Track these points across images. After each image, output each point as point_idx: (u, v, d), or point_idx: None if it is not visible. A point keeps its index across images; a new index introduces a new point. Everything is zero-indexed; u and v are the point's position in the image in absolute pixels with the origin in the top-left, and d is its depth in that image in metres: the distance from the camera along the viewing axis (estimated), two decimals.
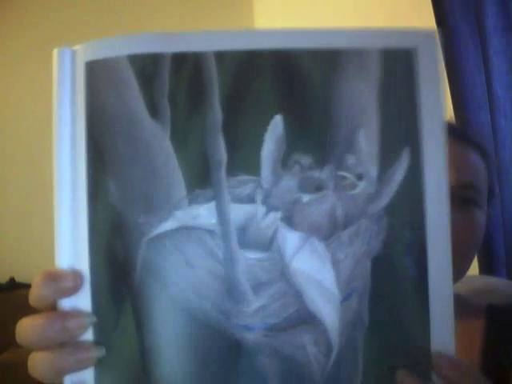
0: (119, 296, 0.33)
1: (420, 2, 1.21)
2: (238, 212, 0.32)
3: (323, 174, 0.33)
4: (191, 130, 0.32)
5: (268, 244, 0.32)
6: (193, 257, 0.32)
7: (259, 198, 0.32)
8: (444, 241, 0.34)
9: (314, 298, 0.32)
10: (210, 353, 0.32)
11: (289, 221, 0.32)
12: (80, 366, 0.33)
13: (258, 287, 0.32)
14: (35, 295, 0.33)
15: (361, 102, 0.33)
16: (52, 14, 1.92)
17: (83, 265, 0.33)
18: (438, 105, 0.34)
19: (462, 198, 0.59)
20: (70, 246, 0.33)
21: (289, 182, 0.32)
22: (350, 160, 0.33)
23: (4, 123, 1.91)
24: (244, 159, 0.32)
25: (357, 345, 0.33)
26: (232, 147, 0.32)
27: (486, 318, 0.63)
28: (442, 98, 0.34)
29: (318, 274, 0.32)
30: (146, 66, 0.32)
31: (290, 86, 0.33)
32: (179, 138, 0.32)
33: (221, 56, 0.32)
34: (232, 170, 0.32)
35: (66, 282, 0.33)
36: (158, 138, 0.32)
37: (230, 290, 0.32)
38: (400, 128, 0.34)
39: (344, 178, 0.33)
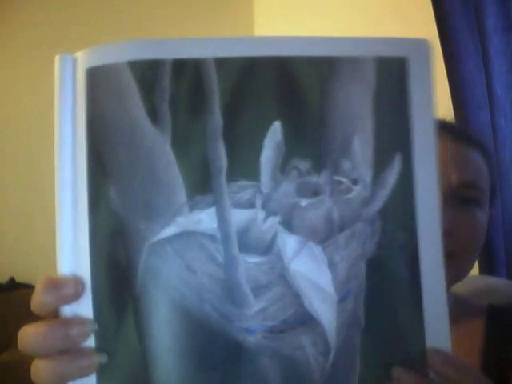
0: (121, 302, 0.33)
1: (420, 1, 1.21)
2: (238, 217, 0.33)
3: (320, 179, 0.33)
4: (192, 136, 0.33)
5: (267, 248, 0.33)
6: (194, 261, 0.33)
7: (259, 202, 0.33)
8: (435, 242, 0.35)
9: (311, 299, 0.33)
10: (212, 356, 0.33)
11: (288, 225, 0.33)
12: (82, 373, 0.33)
13: (258, 290, 0.33)
14: (37, 302, 0.33)
15: (355, 109, 0.34)
16: (52, 14, 1.92)
17: (84, 271, 0.33)
18: (428, 112, 0.35)
19: (463, 197, 0.59)
20: (72, 253, 0.33)
21: (287, 186, 0.33)
22: (346, 165, 0.34)
23: (4, 123, 1.91)
24: (244, 165, 0.33)
25: (354, 344, 0.34)
26: (232, 153, 0.33)
27: (486, 318, 0.63)
28: (433, 105, 0.35)
29: (316, 277, 0.33)
30: (147, 72, 0.33)
31: (288, 93, 0.34)
32: (180, 145, 0.33)
33: (221, 63, 0.33)
34: (232, 175, 0.32)
35: (68, 289, 0.33)
36: (159, 145, 0.33)
37: (231, 293, 0.33)
38: (392, 134, 0.35)
39: (340, 182, 0.34)
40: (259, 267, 0.33)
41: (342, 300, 0.33)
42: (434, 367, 0.34)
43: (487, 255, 1.02)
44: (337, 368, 0.33)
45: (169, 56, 0.32)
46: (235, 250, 0.33)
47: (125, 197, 0.33)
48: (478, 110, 1.04)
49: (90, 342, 0.33)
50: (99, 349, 0.33)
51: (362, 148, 0.34)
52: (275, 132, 0.33)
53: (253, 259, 0.33)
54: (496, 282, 0.86)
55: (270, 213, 0.33)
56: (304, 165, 0.33)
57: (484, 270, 1.03)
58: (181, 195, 0.32)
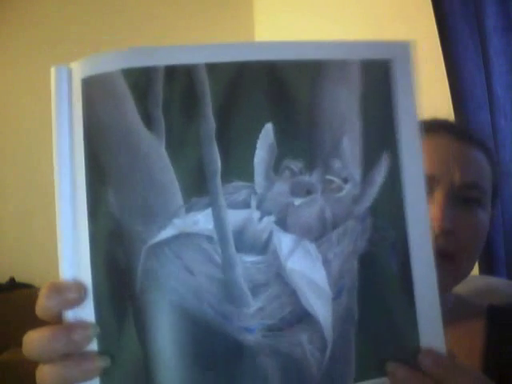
0: (121, 304, 0.34)
1: (420, 2, 1.21)
2: (234, 217, 0.33)
3: (312, 179, 0.34)
4: (186, 139, 0.34)
5: (264, 247, 0.34)
6: (192, 262, 0.33)
7: (254, 203, 0.34)
8: (425, 238, 0.36)
9: (308, 296, 0.34)
10: (212, 356, 0.33)
11: (282, 224, 0.34)
12: (86, 377, 0.33)
13: (256, 289, 0.33)
14: (41, 306, 0.34)
15: (344, 110, 0.35)
16: (52, 14, 1.92)
17: (86, 275, 0.34)
18: (412, 111, 0.36)
19: (465, 197, 0.59)
20: (73, 257, 0.34)
21: (281, 186, 0.34)
22: (336, 164, 0.35)
23: (4, 123, 1.91)
24: (238, 166, 0.34)
25: (349, 339, 0.34)
26: (226, 155, 0.33)
27: (486, 318, 0.63)
28: (417, 104, 0.36)
29: (311, 274, 0.34)
30: (140, 79, 0.33)
31: (278, 96, 0.35)
32: (175, 148, 0.33)
33: (212, 68, 0.34)
34: (227, 177, 0.33)
35: (70, 294, 0.33)
36: (155, 148, 0.33)
37: (230, 293, 0.33)
38: (379, 133, 0.36)
39: (331, 181, 0.35)
40: (256, 266, 0.33)
41: (336, 296, 0.34)
42: (425, 368, 0.34)
43: (487, 255, 1.02)
44: (333, 362, 0.34)
45: (161, 63, 0.33)
46: (232, 249, 0.33)
47: (123, 200, 0.33)
48: (477, 110, 1.04)
49: (93, 346, 0.34)
50: (102, 352, 0.34)
51: (350, 147, 0.35)
52: (267, 134, 0.34)
53: (250, 258, 0.33)
54: (496, 281, 0.86)
55: (264, 212, 0.34)
56: (296, 165, 0.34)
57: (484, 270, 1.03)
58: (177, 197, 0.33)
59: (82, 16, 1.93)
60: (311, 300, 0.34)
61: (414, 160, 0.36)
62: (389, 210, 0.35)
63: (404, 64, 0.36)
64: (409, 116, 0.36)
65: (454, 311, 0.58)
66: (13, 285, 1.78)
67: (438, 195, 0.58)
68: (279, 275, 0.34)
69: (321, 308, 0.34)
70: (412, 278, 0.35)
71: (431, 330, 0.35)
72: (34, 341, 0.33)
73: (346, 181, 0.35)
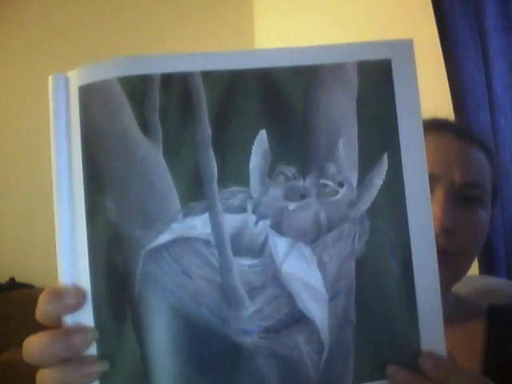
0: (120, 309, 0.34)
1: (420, 1, 1.21)
2: (230, 221, 0.34)
3: (306, 183, 0.35)
4: (183, 146, 0.34)
5: (260, 250, 0.34)
6: (190, 266, 0.34)
7: (249, 207, 0.34)
8: (428, 241, 0.35)
9: (303, 298, 0.34)
10: (210, 358, 0.34)
11: (278, 227, 0.34)
12: (85, 381, 0.34)
13: (252, 292, 0.34)
14: (40, 311, 0.34)
15: (339, 113, 0.36)
16: (52, 14, 1.92)
17: (84, 280, 0.34)
18: (415, 110, 0.36)
19: (466, 196, 0.59)
20: (71, 262, 0.35)
21: (275, 191, 0.35)
22: (331, 169, 0.35)
23: (4, 123, 1.91)
24: (234, 172, 0.34)
25: (347, 341, 0.35)
26: (222, 161, 0.34)
27: (486, 318, 0.63)
28: (418, 104, 0.36)
29: (307, 276, 0.34)
30: (136, 87, 0.34)
31: (273, 102, 0.35)
32: (171, 154, 0.34)
33: (207, 75, 0.34)
34: (223, 182, 0.34)
35: (69, 299, 0.34)
36: (152, 155, 0.34)
37: (227, 296, 0.34)
38: (379, 135, 0.36)
39: (326, 185, 0.35)
40: (253, 269, 0.34)
41: (332, 298, 0.34)
42: (425, 371, 0.34)
43: (487, 255, 1.02)
44: (331, 364, 0.34)
45: (157, 71, 0.34)
46: (229, 253, 0.34)
47: (121, 206, 0.34)
48: (477, 110, 1.04)
49: (93, 350, 0.34)
50: (101, 356, 0.34)
51: (346, 151, 0.35)
52: (262, 140, 0.34)
53: (246, 262, 0.34)
54: (496, 282, 0.86)
55: (260, 217, 0.34)
56: (290, 170, 0.35)
57: (484, 270, 1.03)
58: (175, 202, 0.34)
59: (81, 17, 1.93)
60: (307, 302, 0.34)
61: (417, 160, 0.35)
62: (389, 211, 0.35)
63: (404, 63, 0.36)
64: (411, 116, 0.36)
65: (453, 311, 0.58)
66: (13, 285, 1.78)
67: (439, 194, 0.58)
68: (275, 278, 0.34)
69: (317, 310, 0.34)
70: (414, 280, 0.35)
71: (432, 332, 0.35)
72: (33, 345, 0.33)
73: (341, 184, 0.35)
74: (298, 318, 0.34)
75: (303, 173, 0.35)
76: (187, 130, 0.34)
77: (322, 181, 0.35)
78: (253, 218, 0.34)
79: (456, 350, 0.36)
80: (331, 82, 0.35)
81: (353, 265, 0.35)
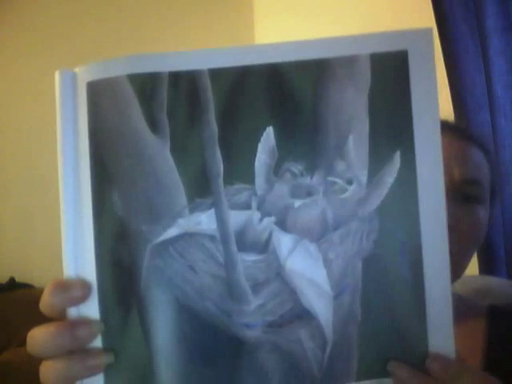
0: (126, 302, 0.34)
1: (420, 2, 1.21)
2: (235, 218, 0.34)
3: (313, 181, 0.35)
4: (190, 143, 0.35)
5: (264, 246, 0.35)
6: (195, 261, 0.34)
7: (254, 204, 0.35)
8: (441, 242, 0.34)
9: (307, 295, 0.34)
10: (214, 351, 0.34)
11: (282, 225, 0.35)
12: (90, 373, 0.34)
13: (256, 287, 0.34)
14: (45, 303, 0.34)
15: (350, 109, 0.35)
16: (52, 14, 1.92)
17: (90, 273, 0.35)
18: (432, 107, 0.34)
19: (465, 194, 0.60)
20: (77, 256, 0.35)
21: (281, 188, 0.35)
22: (340, 166, 0.35)
23: (4, 123, 1.91)
24: (239, 169, 0.35)
25: (351, 339, 0.35)
26: (228, 158, 0.34)
27: (486, 318, 0.63)
28: (436, 99, 0.34)
29: (311, 273, 0.34)
30: (145, 85, 0.34)
31: (280, 98, 0.35)
32: (179, 151, 0.35)
33: (215, 73, 0.34)
34: (229, 179, 0.34)
35: (75, 292, 0.34)
36: (159, 152, 0.34)
37: (231, 290, 0.34)
38: (391, 131, 0.34)
39: (334, 183, 0.35)
40: (257, 265, 0.34)
41: (337, 296, 0.34)
42: (433, 374, 0.34)
43: (487, 255, 1.02)
44: (334, 361, 0.34)
45: (166, 69, 0.34)
46: (234, 249, 0.34)
47: (128, 201, 0.34)
48: (477, 110, 1.04)
49: (97, 343, 0.34)
50: (106, 349, 0.34)
51: (356, 147, 0.34)
52: (268, 137, 0.34)
53: (250, 257, 0.34)
54: (496, 281, 0.85)
55: (265, 214, 0.35)
56: (297, 167, 0.35)
57: (484, 270, 1.02)
58: (181, 198, 0.34)
59: (81, 17, 1.93)
60: (311, 299, 0.34)
61: (433, 160, 0.34)
62: (400, 211, 0.34)
63: (423, 54, 0.34)
64: (428, 112, 0.34)
65: (453, 311, 0.58)
66: (13, 285, 1.78)
67: None
68: (279, 274, 0.34)
69: (321, 307, 0.34)
70: (423, 281, 0.34)
71: (441, 334, 0.34)
72: (38, 337, 0.34)
73: (350, 182, 0.35)
74: (301, 314, 0.34)
75: (311, 170, 0.35)
76: (194, 127, 0.34)
77: (330, 178, 0.35)
78: (257, 214, 0.35)
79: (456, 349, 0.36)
80: (342, 75, 0.34)
81: (359, 263, 0.34)
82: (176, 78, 0.34)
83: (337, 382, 0.35)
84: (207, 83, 0.34)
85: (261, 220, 0.35)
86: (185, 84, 0.34)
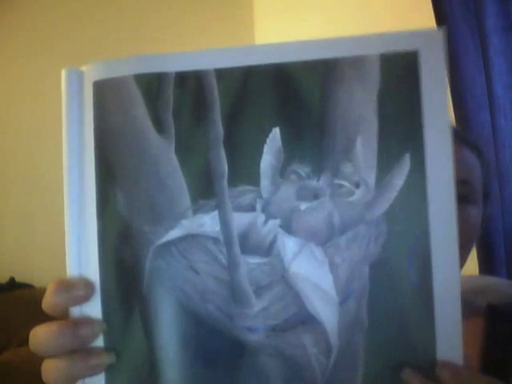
0: (128, 302, 0.34)
1: (420, 2, 1.21)
2: (239, 220, 0.34)
3: (320, 183, 0.34)
4: (195, 144, 0.34)
5: (268, 249, 0.34)
6: (198, 263, 0.34)
7: (259, 206, 0.34)
8: (451, 244, 0.33)
9: (312, 300, 0.34)
10: (215, 354, 0.34)
11: (287, 227, 0.34)
12: (92, 372, 0.34)
13: (259, 290, 0.34)
14: (48, 302, 0.34)
15: (358, 110, 0.34)
16: (52, 14, 1.92)
17: (93, 273, 0.35)
18: (442, 109, 0.33)
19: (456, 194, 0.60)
20: (81, 255, 0.35)
21: (287, 191, 0.34)
22: (347, 168, 0.34)
23: (4, 123, 1.91)
24: (244, 171, 0.34)
25: (357, 346, 0.34)
26: (233, 160, 0.34)
27: (485, 318, 0.63)
28: (446, 101, 0.33)
29: (316, 278, 0.34)
30: (152, 85, 0.34)
31: (287, 99, 0.34)
32: (184, 152, 0.34)
33: (221, 73, 0.34)
34: (233, 181, 0.34)
35: (78, 291, 0.34)
36: (164, 152, 0.34)
37: (234, 293, 0.34)
38: (401, 134, 0.33)
39: (341, 185, 0.34)
40: (260, 268, 0.34)
41: (343, 301, 0.34)
42: (443, 382, 0.33)
43: (487, 255, 1.02)
44: (339, 368, 0.34)
45: (172, 69, 0.34)
46: (237, 251, 0.34)
47: (132, 201, 0.34)
48: (477, 110, 1.04)
49: (99, 342, 0.34)
50: (108, 348, 0.34)
51: (365, 150, 0.33)
52: (274, 138, 0.34)
53: (254, 260, 0.34)
54: (496, 281, 0.86)
55: (269, 216, 0.34)
56: (303, 169, 0.34)
57: (484, 270, 1.03)
58: (185, 199, 0.34)
59: (81, 17, 1.93)
60: (316, 304, 0.34)
61: (444, 164, 0.33)
62: (409, 215, 0.33)
63: (433, 55, 0.33)
64: (438, 114, 0.33)
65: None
66: (13, 285, 1.78)
67: None
68: (283, 277, 0.34)
69: (326, 312, 0.33)
70: (433, 287, 0.33)
71: (450, 340, 0.34)
72: (40, 335, 0.34)
73: (357, 185, 0.34)
74: (305, 319, 0.34)
75: (317, 172, 0.34)
76: (200, 128, 0.34)
77: (337, 181, 0.34)
78: (262, 217, 0.34)
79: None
80: (350, 76, 0.34)
81: (366, 268, 0.33)
82: (182, 78, 0.34)
83: None
84: (213, 83, 0.34)
85: (265, 222, 0.34)
86: (191, 84, 0.34)
